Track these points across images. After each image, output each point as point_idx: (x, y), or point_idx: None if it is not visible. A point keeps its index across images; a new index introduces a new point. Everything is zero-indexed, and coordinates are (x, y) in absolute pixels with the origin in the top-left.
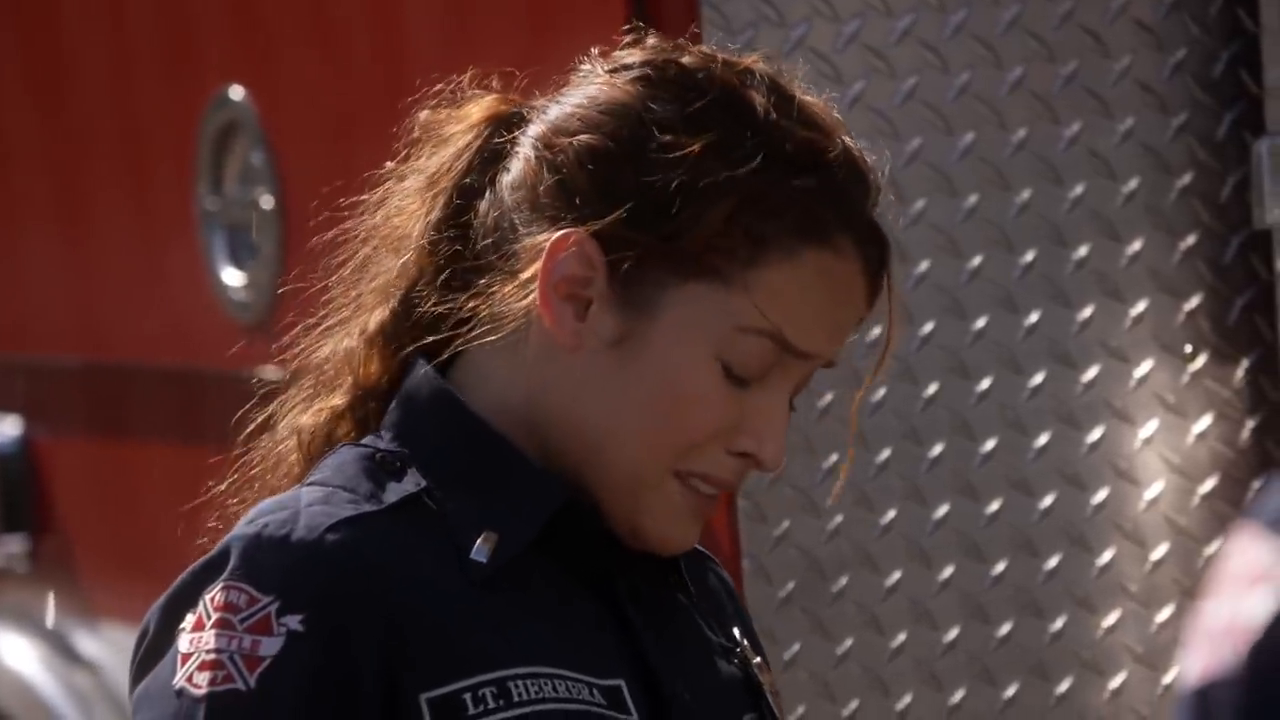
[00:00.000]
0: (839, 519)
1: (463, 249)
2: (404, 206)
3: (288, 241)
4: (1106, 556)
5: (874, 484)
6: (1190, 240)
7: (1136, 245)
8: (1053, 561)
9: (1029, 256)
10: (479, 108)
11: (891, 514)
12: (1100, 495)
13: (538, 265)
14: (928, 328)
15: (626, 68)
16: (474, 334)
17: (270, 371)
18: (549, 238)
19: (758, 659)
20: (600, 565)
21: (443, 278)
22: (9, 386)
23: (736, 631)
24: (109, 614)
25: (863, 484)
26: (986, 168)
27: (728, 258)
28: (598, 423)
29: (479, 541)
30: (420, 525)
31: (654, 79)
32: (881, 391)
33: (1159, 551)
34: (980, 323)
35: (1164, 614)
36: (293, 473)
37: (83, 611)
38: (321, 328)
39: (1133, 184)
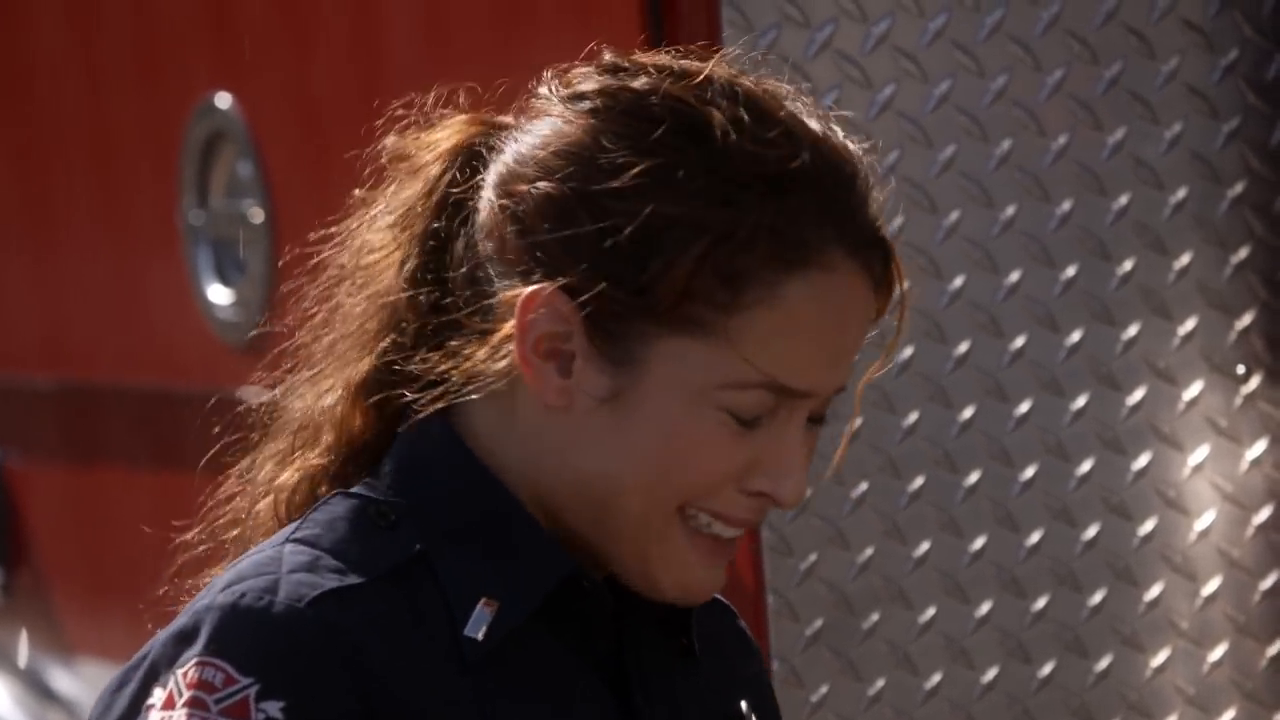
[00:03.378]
0: (869, 552)
1: (441, 298)
2: (374, 243)
3: (278, 257)
4: (1155, 591)
5: (906, 514)
6: (1242, 253)
7: (1185, 259)
8: (1097, 597)
9: (1070, 271)
10: (447, 134)
11: (925, 546)
12: (1147, 526)
13: (511, 325)
14: (963, 347)
15: (580, 97)
16: (458, 392)
17: (259, 394)
18: (520, 295)
19: None
20: (606, 641)
21: (425, 331)
22: None
23: (744, 705)
24: (86, 650)
25: (894, 514)
26: (1025, 177)
27: (705, 305)
28: (599, 477)
29: (478, 609)
30: (412, 596)
31: (605, 110)
32: (914, 416)
33: (1211, 586)
34: (1019, 342)
35: (1216, 653)
36: (270, 531)
37: (58, 647)
38: (295, 377)
39: (1181, 194)
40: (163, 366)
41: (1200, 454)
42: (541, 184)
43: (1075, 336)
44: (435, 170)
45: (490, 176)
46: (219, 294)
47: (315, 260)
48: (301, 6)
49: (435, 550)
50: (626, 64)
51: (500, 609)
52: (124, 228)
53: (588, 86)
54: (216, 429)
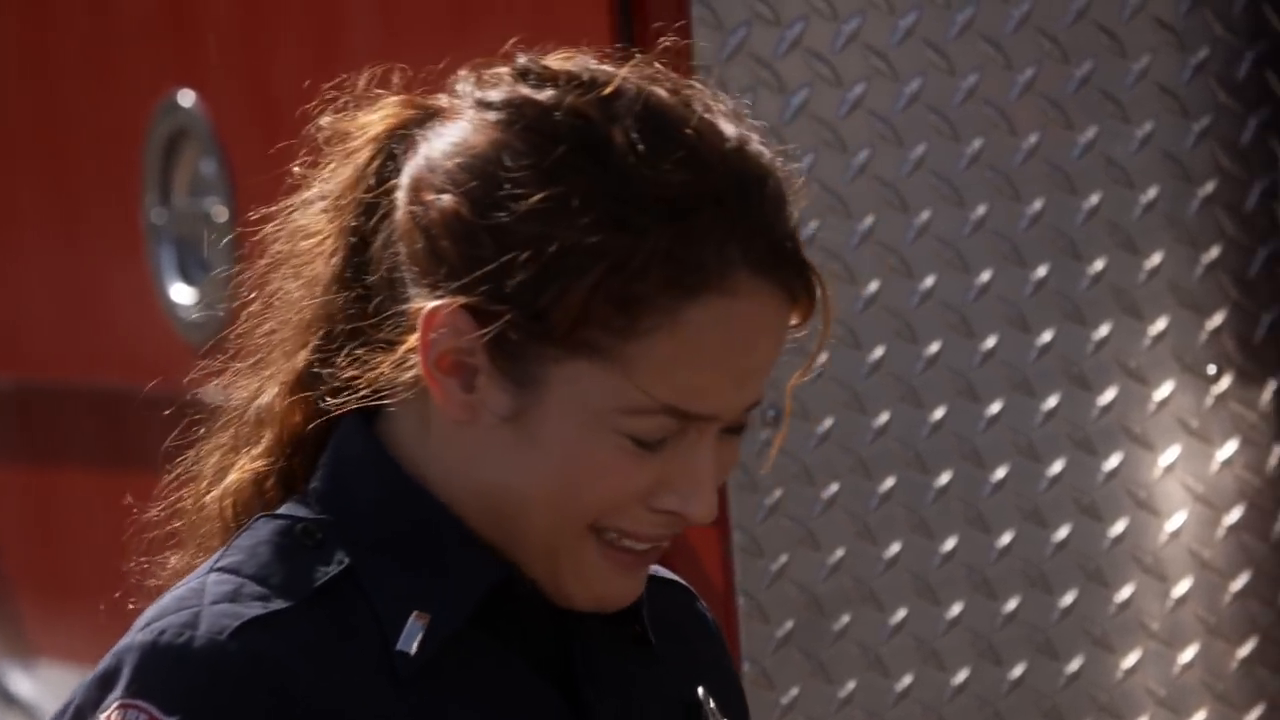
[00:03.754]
0: (840, 553)
1: (361, 299)
2: (309, 228)
3: (243, 256)
4: (1125, 593)
5: (877, 515)
6: (1214, 253)
7: (1156, 259)
8: (1068, 598)
9: (1041, 271)
10: (379, 115)
11: (896, 547)
12: (1118, 527)
13: (416, 339)
14: (933, 348)
15: (489, 105)
16: (371, 400)
17: (217, 395)
18: (423, 310)
19: None
20: (549, 641)
21: (348, 332)
22: None
23: (701, 691)
24: (47, 652)
25: (865, 515)
26: (995, 176)
27: (602, 330)
28: (504, 490)
29: (409, 623)
30: (342, 615)
31: (509, 124)
32: (885, 416)
33: (1182, 587)
34: (989, 342)
35: (1188, 654)
36: (216, 534)
37: (19, 649)
38: (234, 367)
39: (1152, 193)
40: (126, 368)
41: (1171, 454)
42: (445, 197)
43: (1046, 336)
44: (364, 157)
45: (404, 178)
46: (182, 293)
47: (252, 241)
48: (265, 2)
49: (362, 565)
50: (537, 69)
51: (432, 620)
52: (85, 226)
53: (495, 96)
54: (178, 429)
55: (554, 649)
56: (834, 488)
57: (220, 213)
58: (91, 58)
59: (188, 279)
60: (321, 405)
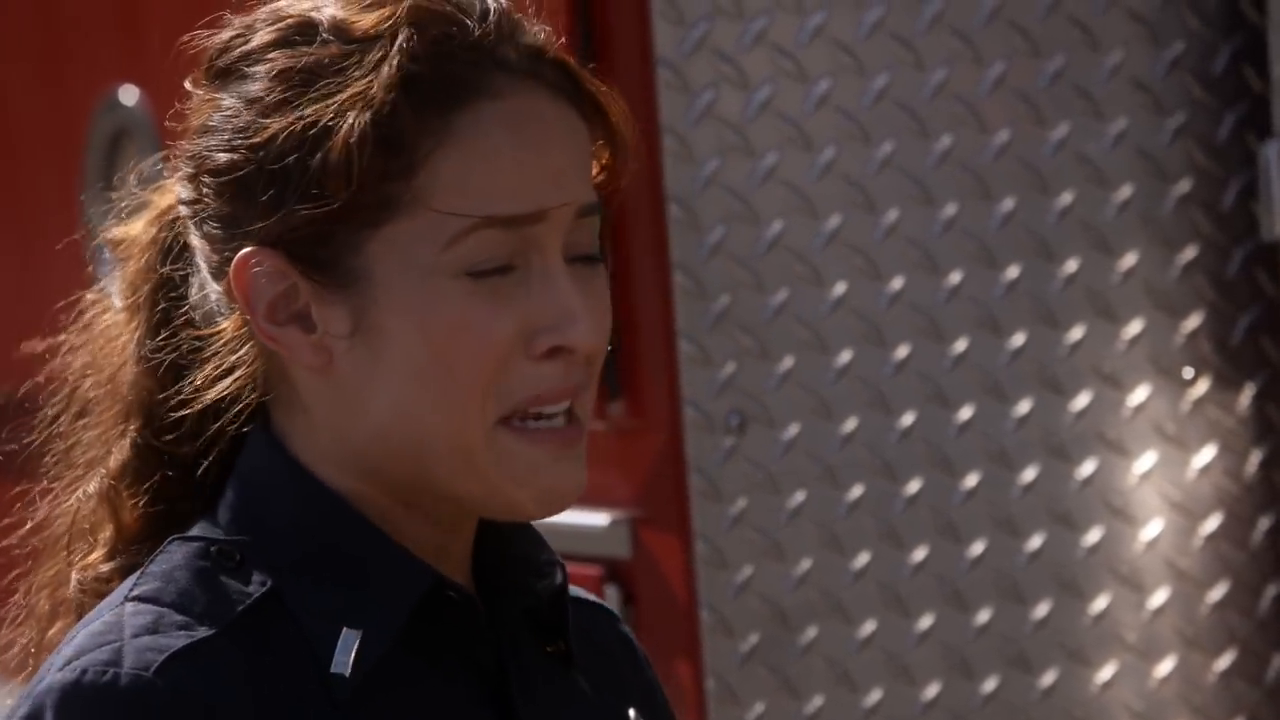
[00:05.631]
0: (806, 564)
1: (174, 367)
2: (109, 334)
3: None
4: (1101, 604)
5: (845, 525)
6: (1189, 253)
7: (1130, 259)
8: (1042, 610)
9: (1013, 273)
10: (149, 210)
11: (864, 558)
12: (1093, 536)
13: (238, 315)
14: (902, 352)
15: (205, 81)
16: (238, 409)
17: None
18: (228, 278)
19: None
20: (484, 650)
21: (169, 391)
22: None
23: (632, 713)
24: None
25: (832, 525)
26: (965, 175)
27: (383, 182)
28: (395, 420)
29: (340, 642)
30: (269, 638)
31: (225, 74)
32: (852, 423)
33: (1158, 598)
34: (960, 346)
35: (1164, 667)
36: (61, 628)
37: None
38: (53, 492)
39: (1126, 192)
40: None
41: (1147, 461)
42: (204, 167)
43: (1018, 340)
44: (149, 235)
45: (180, 201)
46: None
47: (47, 371)
48: None
49: (285, 585)
50: (227, 40)
51: (364, 638)
52: (26, 228)
53: (205, 70)
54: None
55: (489, 662)
56: (800, 497)
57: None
58: (35, 52)
59: None
60: (169, 474)
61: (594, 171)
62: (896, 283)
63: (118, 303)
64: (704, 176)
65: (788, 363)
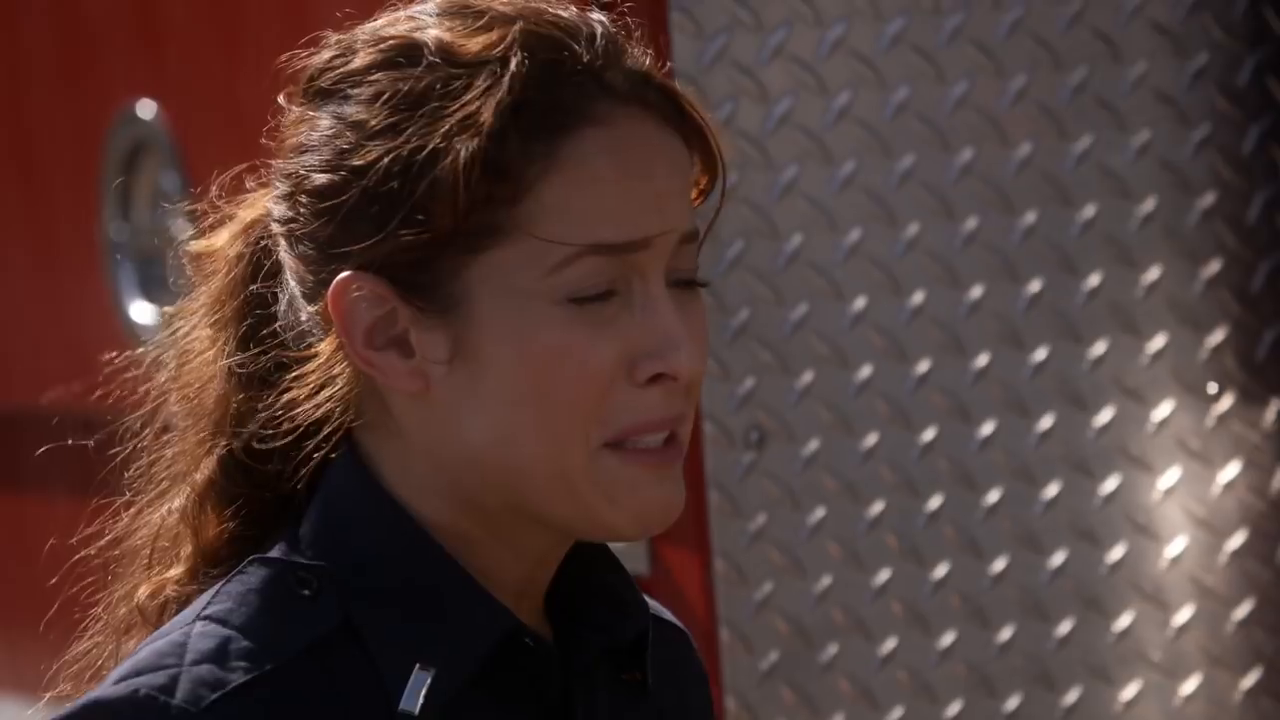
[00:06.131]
0: (827, 581)
1: (263, 380)
2: (194, 349)
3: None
4: (1124, 621)
5: (867, 542)
6: (1214, 267)
7: (1154, 273)
8: (1065, 627)
9: (1035, 286)
10: (234, 224)
11: (886, 575)
12: (1117, 553)
13: (333, 337)
14: (924, 366)
15: (306, 98)
16: (328, 431)
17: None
18: (326, 295)
19: None
20: (553, 691)
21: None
22: None
23: None
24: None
25: (854, 542)
26: (987, 188)
27: (489, 208)
28: (493, 445)
29: (411, 679)
30: (336, 671)
31: (329, 93)
32: (873, 438)
33: (1183, 615)
34: (982, 361)
35: (1189, 685)
36: (136, 639)
37: None
38: (136, 507)
39: (1150, 205)
40: (84, 388)
41: (1171, 477)
42: (302, 186)
43: (1041, 354)
44: (233, 251)
45: (274, 219)
46: (143, 312)
47: (135, 376)
48: (229, 9)
49: (361, 617)
50: (329, 58)
51: (436, 676)
52: (45, 242)
53: (296, 104)
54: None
55: (559, 700)
56: (821, 513)
57: (183, 228)
58: (54, 66)
59: (149, 297)
60: (258, 495)
61: (693, 196)
62: (917, 297)
63: (204, 317)
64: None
65: (808, 377)
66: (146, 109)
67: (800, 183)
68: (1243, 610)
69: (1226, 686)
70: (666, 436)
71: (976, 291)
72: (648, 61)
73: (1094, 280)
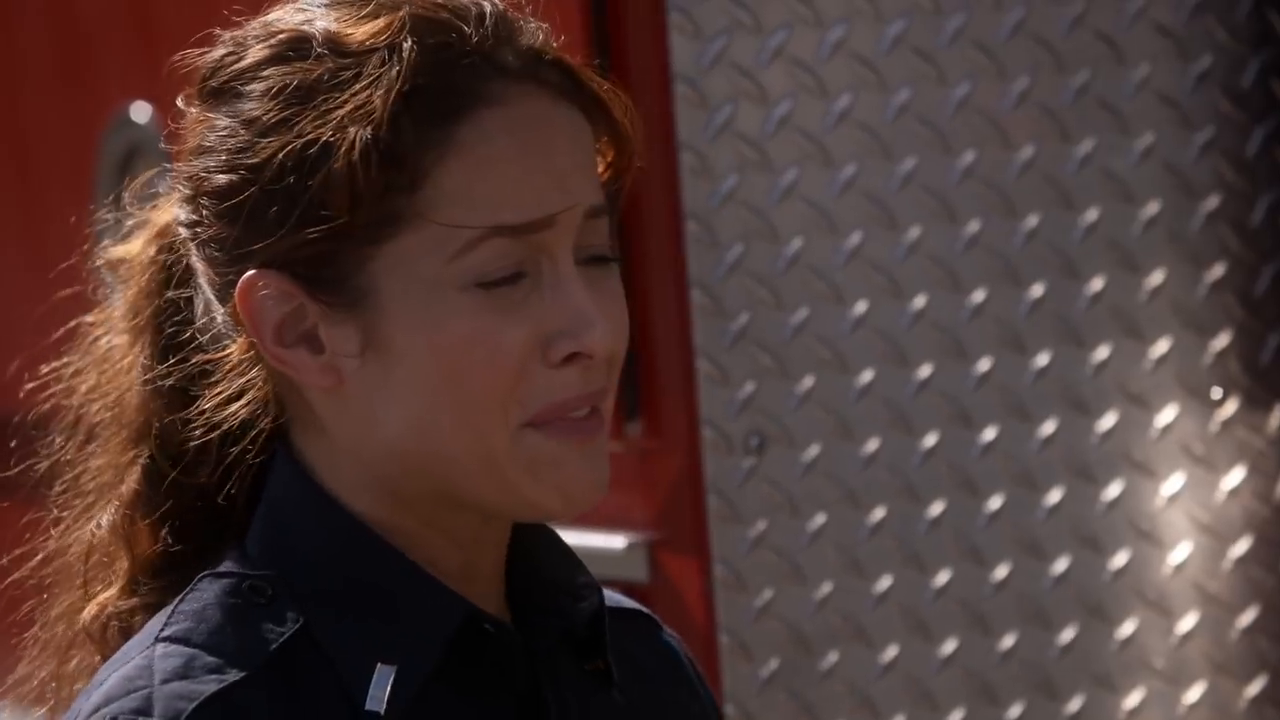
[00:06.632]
0: (827, 588)
1: (183, 388)
2: (113, 357)
3: None
4: (1128, 629)
5: (866, 548)
6: (1218, 271)
7: (1158, 277)
8: (1068, 634)
9: (1038, 291)
10: (146, 229)
11: (886, 582)
12: (1120, 559)
13: (243, 338)
14: (925, 371)
15: (200, 100)
16: (253, 434)
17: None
18: (232, 301)
19: None
20: (520, 679)
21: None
22: None
23: None
24: None
25: (854, 548)
26: (989, 191)
27: (387, 196)
28: (413, 434)
29: (374, 678)
30: (301, 678)
31: (221, 92)
32: (874, 444)
33: (1187, 622)
34: (984, 365)
35: (1193, 694)
36: (77, 659)
37: None
38: (64, 523)
39: (1153, 208)
40: None
41: (1175, 483)
42: (203, 189)
43: (1043, 359)
44: (145, 257)
45: (182, 229)
46: None
47: (53, 391)
48: (225, 12)
49: (316, 620)
50: (219, 58)
51: (398, 674)
52: (39, 246)
53: (190, 106)
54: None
55: (526, 689)
56: (821, 519)
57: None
58: (45, 64)
59: None
60: (190, 505)
61: (600, 170)
62: (919, 301)
63: (121, 325)
64: (722, 193)
65: (808, 382)
66: (141, 112)
67: (800, 186)
68: (1247, 617)
69: (1231, 694)
70: (588, 411)
71: (978, 295)
72: (542, 37)
73: (1097, 284)
